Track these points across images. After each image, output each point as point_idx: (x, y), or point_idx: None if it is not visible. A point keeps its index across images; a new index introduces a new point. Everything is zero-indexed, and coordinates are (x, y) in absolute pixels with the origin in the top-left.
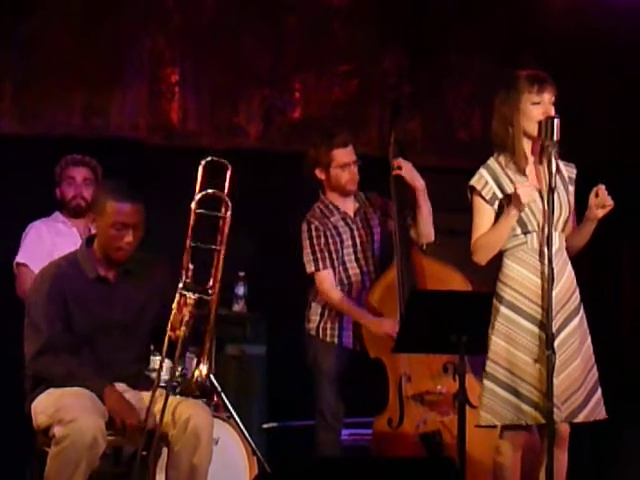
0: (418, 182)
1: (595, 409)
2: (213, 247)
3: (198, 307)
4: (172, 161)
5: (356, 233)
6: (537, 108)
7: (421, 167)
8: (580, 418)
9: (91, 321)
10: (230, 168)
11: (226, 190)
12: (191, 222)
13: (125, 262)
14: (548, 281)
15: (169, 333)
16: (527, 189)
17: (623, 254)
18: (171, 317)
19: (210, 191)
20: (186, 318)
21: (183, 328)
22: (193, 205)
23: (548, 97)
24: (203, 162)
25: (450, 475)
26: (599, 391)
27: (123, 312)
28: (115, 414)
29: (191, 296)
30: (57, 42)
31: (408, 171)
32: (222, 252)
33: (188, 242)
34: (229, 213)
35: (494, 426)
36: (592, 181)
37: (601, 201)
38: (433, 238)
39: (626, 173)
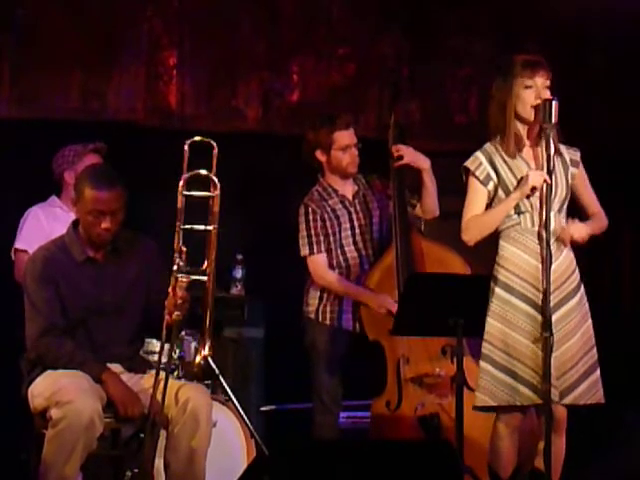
0: (423, 163)
1: (588, 392)
2: (205, 228)
3: (194, 289)
4: (170, 144)
5: (354, 216)
6: (530, 92)
7: (419, 150)
8: (569, 399)
9: (83, 303)
10: (216, 148)
11: (213, 169)
12: (179, 204)
13: (109, 243)
14: (546, 263)
15: (166, 317)
16: (537, 174)
17: (623, 241)
18: (166, 301)
19: (197, 172)
20: (180, 301)
21: (177, 312)
22: (180, 187)
23: (541, 81)
24: (188, 142)
25: (448, 458)
26: (596, 374)
27: (114, 292)
28: (119, 403)
29: (184, 279)
30: (54, 25)
31: (411, 155)
32: (214, 232)
33: (178, 224)
34: (218, 192)
35: (490, 407)
36: (592, 167)
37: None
38: (438, 213)
39: (625, 159)
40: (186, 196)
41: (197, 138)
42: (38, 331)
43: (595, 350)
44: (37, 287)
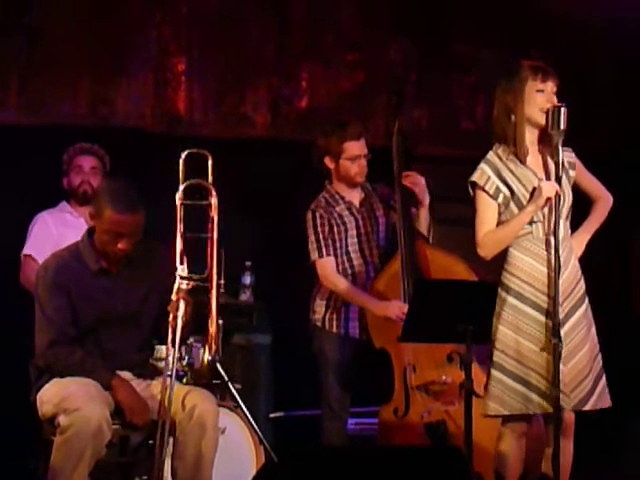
0: (425, 199)
1: (601, 397)
2: (204, 235)
3: (198, 295)
4: (178, 150)
5: (361, 223)
6: (541, 96)
7: (426, 157)
8: (588, 406)
9: (94, 313)
10: (210, 158)
11: (209, 178)
12: (179, 213)
13: (123, 258)
14: (555, 270)
15: (171, 322)
16: (549, 184)
17: (633, 243)
18: (169, 305)
19: (194, 181)
20: (183, 306)
21: (181, 316)
22: (178, 196)
23: (551, 86)
24: (183, 155)
25: (457, 465)
26: (604, 379)
27: (126, 303)
28: (127, 410)
29: (186, 285)
30: (63, 31)
31: (421, 188)
32: (214, 239)
33: (179, 232)
34: (215, 201)
35: (502, 416)
36: (599, 169)
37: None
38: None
39: (632, 161)
40: (185, 204)
41: (193, 150)
42: (47, 341)
43: (600, 356)
44: (48, 295)
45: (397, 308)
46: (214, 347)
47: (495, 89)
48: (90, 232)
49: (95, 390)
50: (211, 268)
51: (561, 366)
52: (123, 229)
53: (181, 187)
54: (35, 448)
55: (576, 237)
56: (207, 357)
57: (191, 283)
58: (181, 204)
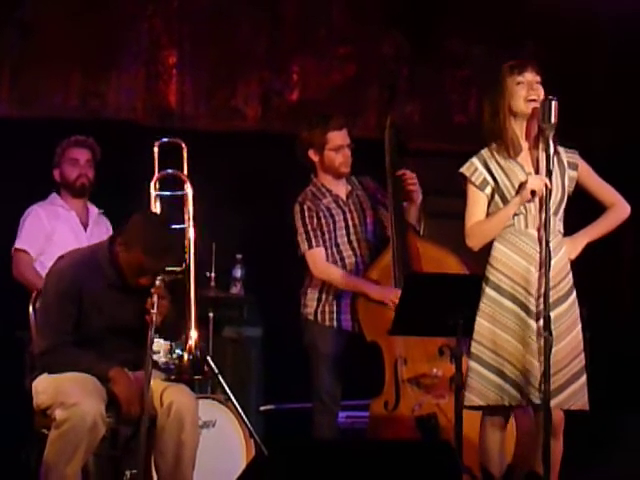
0: (418, 198)
1: (573, 397)
2: (181, 226)
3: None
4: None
5: (348, 216)
6: (522, 87)
7: (419, 151)
8: (553, 403)
9: (102, 323)
10: (185, 148)
11: (185, 169)
12: (152, 204)
13: None
14: (545, 265)
15: (147, 319)
16: (537, 178)
17: (624, 243)
18: (146, 303)
19: (166, 172)
20: (157, 301)
21: (155, 312)
22: (152, 188)
23: (531, 76)
24: (157, 144)
25: (447, 458)
26: (582, 380)
27: (136, 316)
28: (123, 401)
29: (159, 281)
30: (55, 25)
31: (416, 186)
32: (190, 229)
33: None
34: (189, 191)
35: (479, 407)
36: (594, 168)
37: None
38: None
39: (627, 157)
40: (160, 196)
41: (165, 140)
42: (45, 346)
43: (583, 356)
44: (57, 302)
45: (392, 293)
46: (192, 340)
47: (485, 88)
48: (111, 242)
49: (92, 384)
50: (187, 260)
51: (533, 360)
52: (152, 270)
53: (155, 178)
54: (27, 440)
55: (573, 239)
56: (186, 352)
57: (164, 278)
58: (156, 196)
